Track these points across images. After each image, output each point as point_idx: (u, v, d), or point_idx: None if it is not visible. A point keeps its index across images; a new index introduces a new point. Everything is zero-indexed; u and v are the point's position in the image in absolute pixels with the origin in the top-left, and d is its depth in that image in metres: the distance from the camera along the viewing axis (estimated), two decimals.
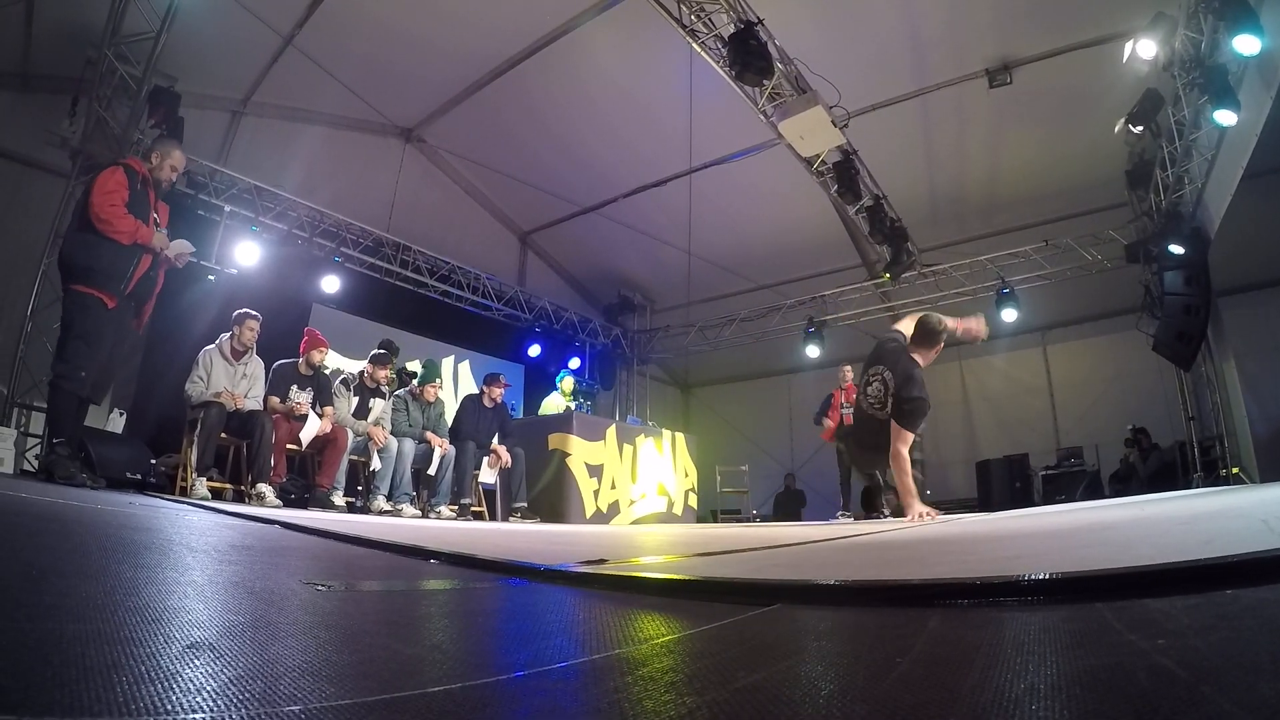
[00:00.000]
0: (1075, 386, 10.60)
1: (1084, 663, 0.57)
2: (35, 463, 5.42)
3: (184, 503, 3.69)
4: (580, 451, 6.92)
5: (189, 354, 5.28)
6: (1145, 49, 5.91)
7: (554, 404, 7.98)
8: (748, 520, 10.22)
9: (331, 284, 8.27)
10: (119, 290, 3.95)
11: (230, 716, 0.47)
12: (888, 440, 3.86)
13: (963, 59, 7.37)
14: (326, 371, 5.79)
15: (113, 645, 0.61)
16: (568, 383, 8.15)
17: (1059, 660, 0.59)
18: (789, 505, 11.68)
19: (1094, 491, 8.89)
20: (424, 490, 6.20)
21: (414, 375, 6.86)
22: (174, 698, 0.49)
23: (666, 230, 10.36)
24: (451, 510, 5.91)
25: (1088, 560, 1.14)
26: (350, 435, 5.52)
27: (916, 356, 3.98)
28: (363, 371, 6.01)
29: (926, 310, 4.36)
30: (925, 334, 4.03)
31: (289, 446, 5.27)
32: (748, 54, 5.70)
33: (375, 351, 6.12)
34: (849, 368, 8.46)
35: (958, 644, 0.70)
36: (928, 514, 3.75)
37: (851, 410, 8.12)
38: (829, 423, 8.21)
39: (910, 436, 3.84)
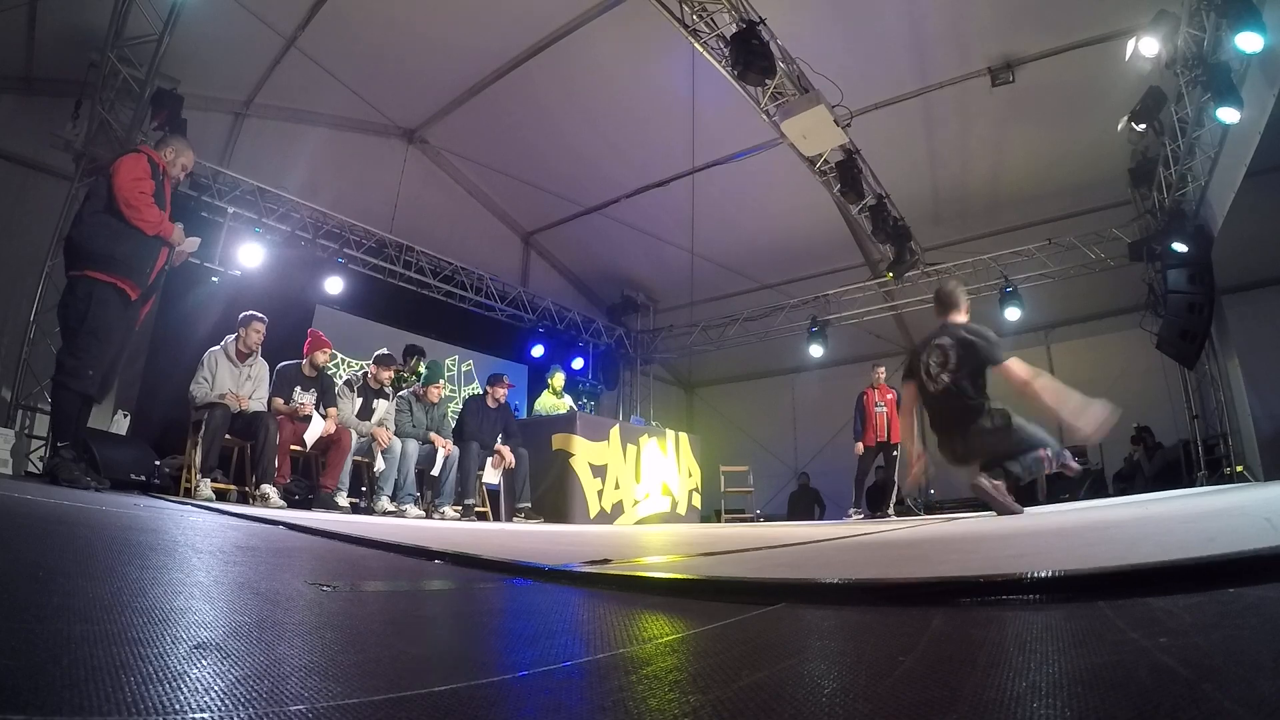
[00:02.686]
0: (1079, 385, 10.24)
1: (1086, 661, 0.58)
2: (39, 465, 5.44)
3: (188, 504, 3.69)
4: (584, 452, 6.92)
5: (193, 356, 5.29)
6: (1148, 47, 5.89)
7: (546, 401, 7.90)
8: (751, 520, 10.20)
9: (335, 285, 8.28)
10: (143, 282, 3.77)
11: (237, 716, 0.48)
12: (967, 410, 4.11)
13: (965, 57, 7.36)
14: (330, 373, 5.80)
15: (120, 645, 0.61)
16: (558, 378, 7.95)
17: (1061, 658, 0.59)
18: (802, 504, 11.59)
19: (1098, 490, 8.88)
20: (428, 491, 6.21)
21: (418, 377, 6.86)
22: (181, 697, 0.50)
23: (669, 230, 10.36)
24: (455, 511, 5.92)
25: (1091, 558, 1.14)
26: (354, 436, 5.52)
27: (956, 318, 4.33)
28: (366, 372, 6.02)
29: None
30: (943, 301, 4.40)
31: (293, 448, 5.27)
32: (750, 53, 5.69)
33: (379, 353, 6.13)
34: (883, 368, 8.34)
35: (961, 642, 0.70)
36: (1106, 417, 3.81)
37: (884, 410, 8.10)
38: (865, 442, 8.08)
39: (1015, 362, 4.08)
